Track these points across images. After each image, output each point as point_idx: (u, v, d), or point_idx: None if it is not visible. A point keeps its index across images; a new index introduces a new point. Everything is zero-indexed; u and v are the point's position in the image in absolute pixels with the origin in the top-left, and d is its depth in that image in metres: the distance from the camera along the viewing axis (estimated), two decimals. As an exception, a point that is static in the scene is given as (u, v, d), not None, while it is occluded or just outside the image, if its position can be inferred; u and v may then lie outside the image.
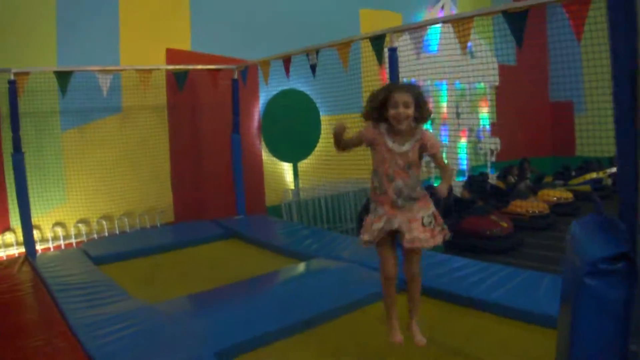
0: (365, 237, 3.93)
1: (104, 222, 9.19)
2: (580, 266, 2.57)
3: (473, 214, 9.61)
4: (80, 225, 9.03)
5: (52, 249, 8.58)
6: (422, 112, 3.66)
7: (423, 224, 3.73)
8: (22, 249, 8.12)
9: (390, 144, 3.69)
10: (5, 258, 8.12)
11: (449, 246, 7.89)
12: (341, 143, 3.90)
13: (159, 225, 9.63)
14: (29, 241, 7.90)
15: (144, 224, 9.52)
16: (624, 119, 2.60)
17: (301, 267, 6.61)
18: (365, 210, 10.14)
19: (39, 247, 8.39)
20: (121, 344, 4.52)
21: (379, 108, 3.73)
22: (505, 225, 9.43)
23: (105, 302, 5.61)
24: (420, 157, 3.75)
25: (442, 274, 5.77)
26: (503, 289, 5.19)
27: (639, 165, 2.56)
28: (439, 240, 3.76)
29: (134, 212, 9.53)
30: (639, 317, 2.51)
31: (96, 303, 5.58)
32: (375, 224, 3.84)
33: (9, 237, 8.47)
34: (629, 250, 2.50)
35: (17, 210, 7.93)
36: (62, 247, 8.71)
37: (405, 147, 3.68)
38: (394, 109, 3.60)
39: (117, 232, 9.25)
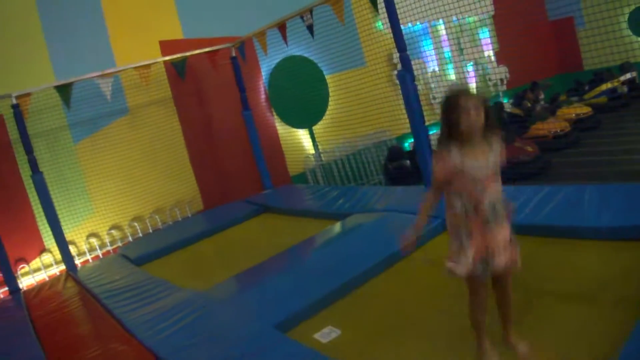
0: (459, 269, 3.15)
1: (136, 224, 9.19)
2: None
3: (498, 143, 9.50)
4: (113, 231, 9.04)
5: (90, 261, 8.61)
6: (489, 118, 3.09)
7: (511, 240, 3.23)
8: (62, 267, 8.14)
9: (468, 161, 3.10)
10: (47, 279, 8.12)
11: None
12: (428, 211, 3.36)
13: (190, 215, 9.62)
14: (67, 257, 7.91)
15: (175, 218, 9.52)
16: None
17: (339, 226, 6.57)
18: (390, 159, 10.19)
19: (77, 261, 8.44)
20: (181, 334, 4.52)
21: (451, 124, 3.14)
22: (530, 149, 9.34)
23: (155, 298, 5.61)
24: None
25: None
26: (546, 210, 5.08)
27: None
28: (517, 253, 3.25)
29: (163, 207, 9.53)
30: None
31: (147, 301, 5.58)
32: (468, 252, 3.14)
33: (46, 258, 8.50)
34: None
35: (48, 230, 7.94)
36: (100, 256, 8.72)
37: (484, 158, 3.13)
38: (466, 114, 3.05)
39: (151, 230, 9.26)
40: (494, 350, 3.23)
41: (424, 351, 3.57)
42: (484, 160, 3.10)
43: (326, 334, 4.22)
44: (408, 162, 9.88)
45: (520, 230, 4.70)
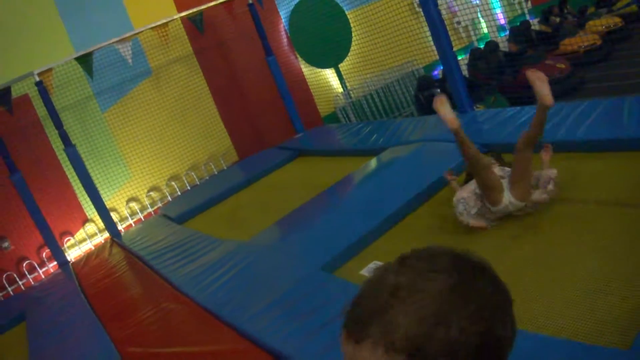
0: None
1: (174, 183, 9.20)
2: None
3: (527, 64, 9.32)
4: (152, 193, 9.07)
5: (133, 225, 8.67)
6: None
7: None
8: (106, 234, 8.22)
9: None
10: (93, 248, 8.22)
11: (513, 104, 7.66)
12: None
13: (225, 168, 9.59)
14: (109, 225, 7.97)
15: (211, 172, 9.50)
16: None
17: (375, 162, 6.45)
18: (420, 88, 10.05)
19: (120, 227, 8.50)
20: (230, 285, 4.51)
21: None
22: (562, 66, 9.10)
23: (200, 253, 5.61)
24: None
25: (516, 128, 5.48)
26: (587, 124, 4.91)
27: None
28: None
29: (198, 163, 9.51)
30: None
31: (192, 257, 5.59)
32: None
33: (90, 227, 8.58)
34: None
35: (89, 200, 7.98)
36: (142, 219, 8.77)
37: None
38: None
39: (188, 187, 9.27)
40: None
41: None
42: None
43: (372, 269, 4.17)
44: (439, 90, 9.74)
45: (561, 146, 4.69)
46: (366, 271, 4.17)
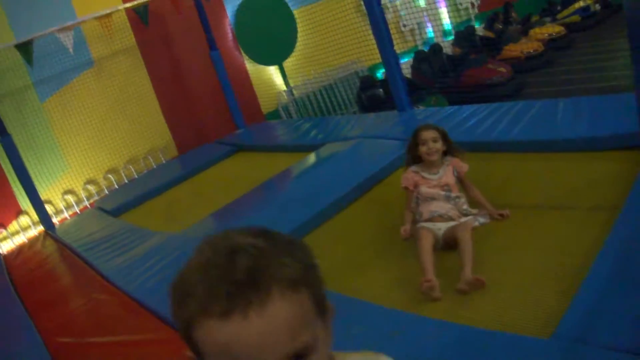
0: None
1: (111, 177, 9.10)
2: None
3: (469, 67, 9.51)
4: (89, 186, 8.96)
5: (68, 218, 8.52)
6: (449, 144, 3.99)
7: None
8: (41, 227, 8.06)
9: (426, 175, 3.97)
10: (27, 241, 8.05)
11: (452, 103, 7.78)
12: (410, 218, 4.07)
13: (164, 162, 9.51)
14: (44, 217, 7.81)
15: (149, 166, 9.41)
16: None
17: (312, 157, 6.49)
18: (362, 88, 10.12)
19: (55, 219, 8.36)
20: (160, 276, 4.48)
21: (414, 150, 4.03)
22: (503, 70, 9.33)
23: (133, 245, 5.56)
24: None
25: (453, 125, 5.55)
26: (521, 125, 5.01)
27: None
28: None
29: (137, 157, 9.42)
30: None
31: (125, 249, 5.53)
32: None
33: (24, 220, 8.42)
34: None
35: (23, 192, 7.81)
36: (78, 212, 8.64)
37: (440, 174, 3.96)
38: (424, 145, 3.92)
39: (126, 181, 9.17)
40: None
41: (395, 278, 3.58)
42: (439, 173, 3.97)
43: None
44: (381, 90, 9.83)
45: (497, 147, 4.87)
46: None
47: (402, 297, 3.32)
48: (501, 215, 3.80)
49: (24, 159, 7.77)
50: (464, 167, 3.97)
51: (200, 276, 0.89)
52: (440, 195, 3.88)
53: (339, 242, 4.38)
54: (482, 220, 3.83)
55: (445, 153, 4.00)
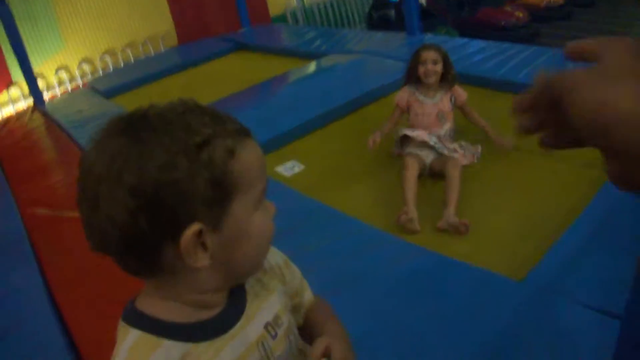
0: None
1: (108, 58, 8.96)
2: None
3: (487, 5, 9.38)
4: (84, 65, 8.82)
5: (59, 95, 8.42)
6: (448, 69, 3.87)
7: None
8: (30, 101, 7.96)
9: (421, 97, 3.90)
10: (15, 113, 7.95)
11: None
12: (386, 131, 4.01)
13: (163, 50, 9.36)
14: (34, 90, 7.67)
15: (148, 53, 9.27)
16: None
17: (313, 65, 6.40)
18: (374, 7, 9.94)
19: (46, 95, 8.25)
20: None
21: (413, 69, 3.91)
22: (520, 15, 9.25)
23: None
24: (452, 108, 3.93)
25: (463, 57, 5.49)
26: (529, 68, 4.89)
27: None
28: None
29: (136, 42, 9.26)
30: None
31: (111, 130, 5.47)
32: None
33: (14, 91, 8.31)
34: None
35: (16, 62, 7.67)
36: (69, 91, 8.54)
37: (436, 99, 3.88)
38: (423, 66, 3.81)
39: (122, 65, 9.03)
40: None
41: (377, 197, 3.62)
42: (436, 98, 3.89)
43: (289, 168, 4.18)
44: (393, 11, 9.70)
45: (501, 85, 4.82)
46: (283, 169, 4.16)
47: (381, 218, 3.32)
48: (501, 144, 3.77)
49: (20, 30, 7.58)
50: (463, 94, 3.90)
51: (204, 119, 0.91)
52: (432, 122, 3.84)
53: (326, 152, 4.37)
54: (468, 155, 3.80)
55: (442, 79, 3.91)
